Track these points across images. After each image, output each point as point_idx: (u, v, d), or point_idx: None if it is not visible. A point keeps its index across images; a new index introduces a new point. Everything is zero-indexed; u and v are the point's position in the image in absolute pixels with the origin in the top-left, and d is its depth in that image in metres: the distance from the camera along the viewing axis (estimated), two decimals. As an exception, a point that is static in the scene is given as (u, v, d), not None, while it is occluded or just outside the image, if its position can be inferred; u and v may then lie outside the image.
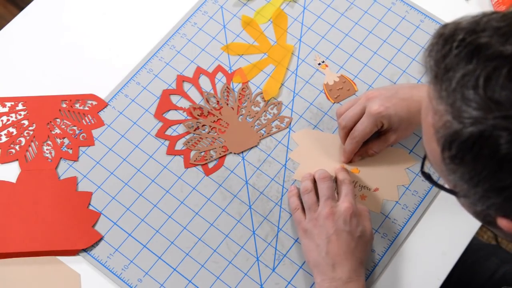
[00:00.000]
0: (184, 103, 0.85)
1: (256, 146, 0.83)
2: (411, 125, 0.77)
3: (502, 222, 0.50)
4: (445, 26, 0.52)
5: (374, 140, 0.80)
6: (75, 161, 0.82)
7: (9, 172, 0.81)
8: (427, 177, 0.59)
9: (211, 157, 0.82)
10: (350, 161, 0.81)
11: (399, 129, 0.77)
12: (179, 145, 0.83)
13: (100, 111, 0.85)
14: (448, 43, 0.49)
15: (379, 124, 0.76)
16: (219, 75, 0.87)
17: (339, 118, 0.79)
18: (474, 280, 0.92)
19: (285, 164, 0.82)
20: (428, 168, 0.60)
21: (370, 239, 0.74)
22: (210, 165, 0.82)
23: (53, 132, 0.83)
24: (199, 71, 0.87)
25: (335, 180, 0.79)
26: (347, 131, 0.79)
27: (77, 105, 0.85)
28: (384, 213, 0.80)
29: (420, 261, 0.78)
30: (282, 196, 0.80)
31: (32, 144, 0.82)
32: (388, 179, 0.81)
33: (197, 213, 0.79)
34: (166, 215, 0.79)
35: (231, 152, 0.83)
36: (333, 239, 0.71)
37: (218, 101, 0.85)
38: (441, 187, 0.57)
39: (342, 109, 0.79)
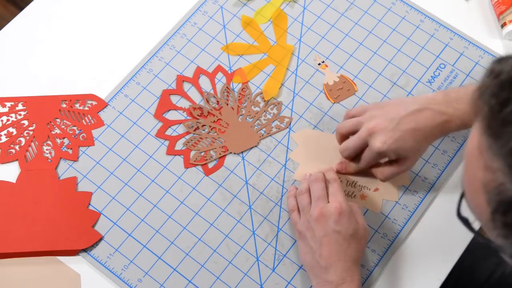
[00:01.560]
0: (184, 103, 0.85)
1: (256, 146, 0.83)
2: (419, 151, 0.74)
3: None
4: (502, 61, 0.44)
5: (385, 165, 0.77)
6: (75, 161, 0.82)
7: (9, 172, 0.81)
8: (465, 222, 0.53)
9: (211, 157, 0.82)
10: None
11: (408, 158, 0.74)
12: (179, 145, 0.83)
13: (100, 111, 0.85)
14: (506, 88, 0.42)
15: (384, 157, 0.74)
16: (219, 75, 0.87)
17: (341, 148, 0.77)
18: (473, 280, 0.92)
19: (285, 164, 0.82)
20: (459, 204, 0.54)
21: (364, 235, 0.73)
22: (210, 165, 0.82)
23: (53, 132, 0.83)
24: (199, 71, 0.87)
25: None
26: (349, 160, 0.78)
27: (77, 105, 0.85)
28: (384, 213, 0.80)
29: (420, 261, 0.78)
30: (282, 196, 0.80)
31: (32, 144, 0.82)
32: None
33: (197, 213, 0.79)
34: (166, 215, 0.79)
35: (231, 152, 0.83)
36: (325, 241, 0.70)
37: (218, 101, 0.85)
38: (482, 238, 0.51)
39: (343, 130, 0.77)
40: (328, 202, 0.73)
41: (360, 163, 0.77)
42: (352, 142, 0.75)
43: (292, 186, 0.80)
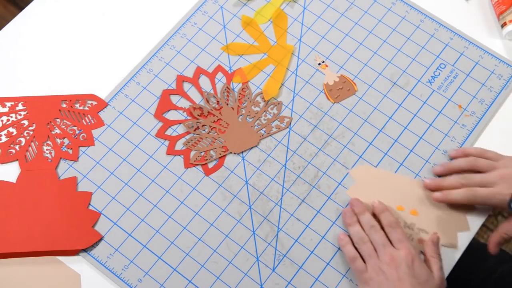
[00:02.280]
0: (184, 103, 0.85)
1: (256, 146, 0.83)
2: None
3: None
4: None
5: (505, 222, 0.76)
6: (75, 161, 0.82)
7: (9, 172, 0.81)
8: None
9: (211, 157, 0.82)
10: None
11: None
12: (179, 145, 0.83)
13: (100, 111, 0.85)
14: None
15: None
16: (219, 75, 0.87)
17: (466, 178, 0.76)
18: (471, 279, 0.92)
19: (285, 164, 0.82)
20: None
21: (438, 285, 0.70)
22: (210, 165, 0.82)
23: (53, 132, 0.83)
24: (199, 71, 0.87)
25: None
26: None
27: (77, 105, 0.85)
28: (384, 213, 0.80)
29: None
30: (282, 196, 0.80)
31: (32, 144, 0.82)
32: (448, 224, 0.77)
33: (197, 213, 0.80)
34: (166, 215, 0.79)
35: (231, 152, 0.83)
36: (398, 285, 0.69)
37: (218, 101, 0.85)
38: None
39: (462, 164, 0.77)
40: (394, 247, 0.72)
41: (469, 199, 0.75)
42: (478, 177, 0.75)
43: (343, 233, 0.77)
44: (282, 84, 0.87)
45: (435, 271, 0.71)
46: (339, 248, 0.77)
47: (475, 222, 0.79)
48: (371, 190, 0.79)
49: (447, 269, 0.77)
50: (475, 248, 0.95)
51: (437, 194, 0.77)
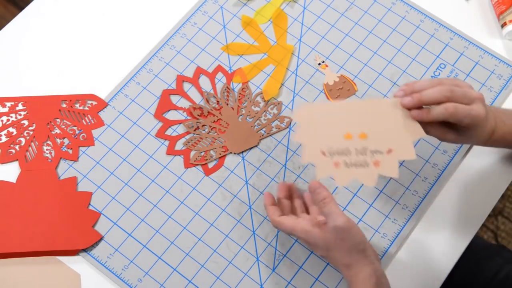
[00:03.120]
0: (184, 103, 0.85)
1: (256, 146, 0.83)
2: (483, 127, 0.70)
3: None
4: None
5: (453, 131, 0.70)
6: (75, 161, 0.82)
7: (9, 172, 0.81)
8: None
9: (211, 157, 0.82)
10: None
11: (470, 129, 0.69)
12: (179, 145, 0.83)
13: (100, 111, 0.85)
14: None
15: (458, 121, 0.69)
16: (219, 75, 0.87)
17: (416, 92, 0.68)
18: (477, 280, 0.92)
19: (285, 164, 0.82)
20: None
21: (341, 225, 0.68)
22: (210, 165, 0.82)
23: (53, 132, 0.83)
24: (199, 71, 0.87)
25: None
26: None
27: (77, 105, 0.85)
28: (384, 213, 0.80)
29: (420, 261, 0.78)
30: (282, 196, 0.80)
31: (32, 144, 0.82)
32: (400, 136, 0.69)
33: (197, 213, 0.80)
34: (166, 215, 0.79)
35: (231, 152, 0.83)
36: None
37: (218, 101, 0.85)
38: None
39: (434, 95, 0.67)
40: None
41: (437, 116, 0.67)
42: (461, 92, 0.67)
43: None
44: (282, 84, 0.87)
45: (332, 213, 0.68)
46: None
47: (475, 222, 0.79)
48: (317, 128, 0.71)
49: (447, 269, 0.77)
50: (481, 247, 0.95)
51: (416, 112, 0.68)
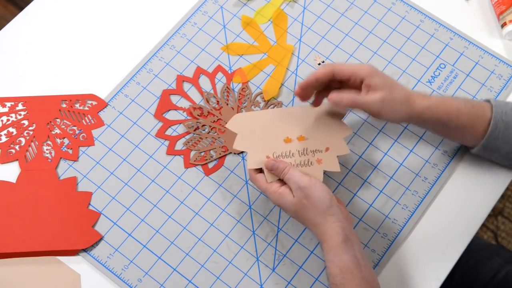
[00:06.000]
0: (184, 103, 0.85)
1: (256, 146, 0.83)
2: (390, 97, 0.72)
3: None
4: None
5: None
6: (75, 161, 0.82)
7: (9, 172, 0.81)
8: None
9: (211, 157, 0.82)
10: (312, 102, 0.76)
11: (378, 89, 0.71)
12: (179, 145, 0.83)
13: (100, 111, 0.85)
14: None
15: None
16: (219, 75, 0.87)
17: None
18: (477, 280, 0.92)
19: (285, 164, 0.82)
20: None
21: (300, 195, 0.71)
22: (210, 165, 0.82)
23: (53, 132, 0.83)
24: (199, 71, 0.87)
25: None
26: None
27: (77, 105, 0.85)
28: (384, 213, 0.80)
29: (420, 261, 0.78)
30: (282, 196, 0.80)
31: (32, 144, 0.82)
32: (333, 134, 0.76)
33: (197, 213, 0.80)
34: (166, 215, 0.79)
35: (231, 152, 0.83)
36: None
37: (218, 101, 0.85)
38: None
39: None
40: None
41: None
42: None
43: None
44: (282, 84, 0.87)
45: (294, 177, 0.71)
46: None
47: (475, 222, 0.79)
48: (257, 135, 0.76)
49: (447, 269, 0.77)
50: (480, 247, 0.96)
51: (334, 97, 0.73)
